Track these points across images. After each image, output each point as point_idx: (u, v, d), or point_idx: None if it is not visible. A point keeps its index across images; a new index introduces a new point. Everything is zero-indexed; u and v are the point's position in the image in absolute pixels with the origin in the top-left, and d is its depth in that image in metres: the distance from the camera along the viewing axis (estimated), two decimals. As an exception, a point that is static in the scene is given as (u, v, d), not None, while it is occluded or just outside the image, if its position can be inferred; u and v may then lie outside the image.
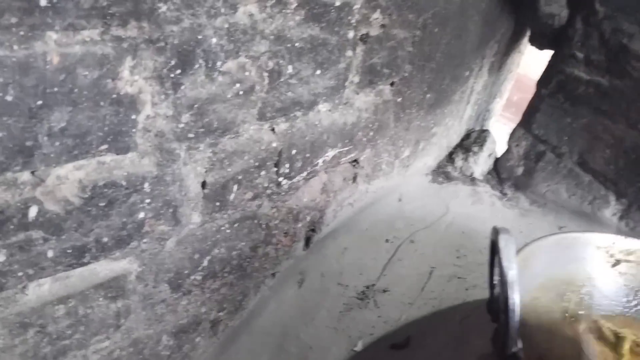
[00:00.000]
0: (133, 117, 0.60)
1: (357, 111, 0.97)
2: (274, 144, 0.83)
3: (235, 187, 0.81)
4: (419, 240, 1.21)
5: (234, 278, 0.93)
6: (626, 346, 0.78)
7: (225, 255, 0.87)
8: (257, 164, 0.82)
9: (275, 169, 0.86)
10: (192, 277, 0.83)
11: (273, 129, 0.82)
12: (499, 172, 1.36)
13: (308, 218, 1.03)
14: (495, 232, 0.66)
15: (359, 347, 1.03)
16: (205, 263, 0.84)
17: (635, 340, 0.82)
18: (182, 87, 0.63)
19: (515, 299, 0.62)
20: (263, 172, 0.84)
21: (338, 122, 0.94)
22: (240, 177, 0.80)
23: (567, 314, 0.86)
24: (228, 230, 0.85)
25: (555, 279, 0.87)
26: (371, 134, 1.04)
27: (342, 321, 1.07)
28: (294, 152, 0.87)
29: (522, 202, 1.31)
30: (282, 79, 0.77)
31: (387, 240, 1.18)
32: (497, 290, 0.70)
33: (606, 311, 0.88)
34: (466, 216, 1.27)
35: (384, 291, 1.11)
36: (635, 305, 0.90)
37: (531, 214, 1.29)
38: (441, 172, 1.35)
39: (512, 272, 0.63)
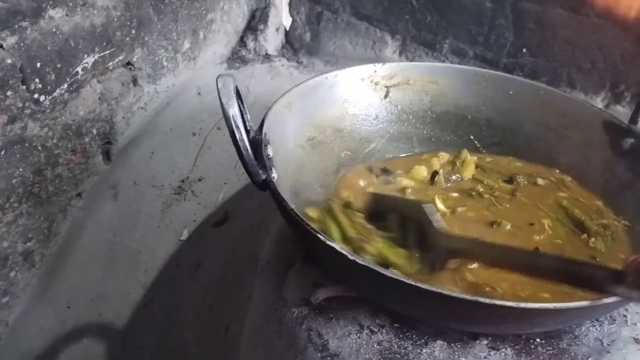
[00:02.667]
0: None
1: (104, 10, 0.96)
2: (8, 60, 0.81)
3: (-21, 113, 0.79)
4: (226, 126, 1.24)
5: (29, 206, 0.92)
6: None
7: (4, 186, 0.86)
8: (-5, 84, 0.80)
9: (24, 87, 0.85)
10: (-28, 215, 0.83)
11: (1, 45, 0.80)
12: (291, 43, 1.41)
13: (95, 131, 1.03)
14: (217, 78, 0.70)
15: (184, 235, 1.08)
16: (-19, 197, 0.83)
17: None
18: None
19: (241, 131, 0.67)
20: (10, 92, 0.82)
21: (83, 26, 0.92)
22: (-20, 102, 0.78)
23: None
24: (-6, 160, 0.84)
25: (328, 117, 0.93)
26: (133, 32, 1.03)
27: (165, 218, 1.11)
28: (38, 65, 0.86)
29: (318, 65, 1.38)
30: (-19, -11, 0.74)
31: (194, 134, 1.21)
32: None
33: (382, 136, 0.97)
34: (267, 92, 1.32)
35: (199, 180, 1.15)
36: (404, 123, 0.99)
37: (327, 73, 1.36)
38: (236, 58, 1.38)
39: (232, 108, 0.68)
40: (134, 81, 1.09)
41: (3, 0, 0.77)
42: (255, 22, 1.39)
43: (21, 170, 0.88)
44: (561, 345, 0.64)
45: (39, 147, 0.91)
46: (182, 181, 1.14)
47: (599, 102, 1.18)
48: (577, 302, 0.56)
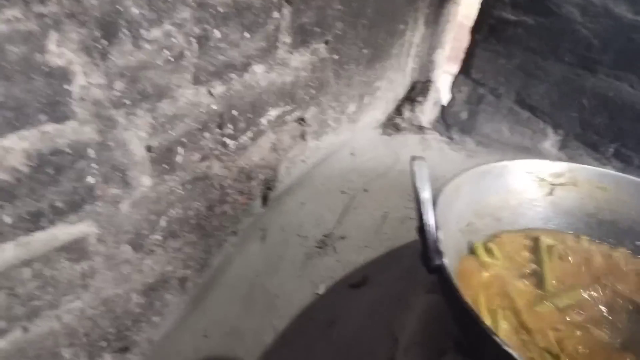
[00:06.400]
0: (66, 87, 0.66)
1: (295, 70, 1.03)
2: (214, 106, 0.89)
3: (181, 150, 0.87)
4: (373, 189, 1.28)
5: (195, 237, 0.99)
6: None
7: (182, 216, 0.94)
8: (199, 126, 0.88)
9: (219, 130, 0.93)
10: (153, 238, 0.90)
11: (210, 92, 0.88)
12: (445, 119, 1.44)
13: (261, 176, 1.10)
14: (411, 160, 0.73)
15: (321, 290, 1.11)
16: (163, 223, 0.90)
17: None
18: (111, 57, 0.69)
19: (430, 216, 0.69)
20: (207, 134, 0.91)
21: (276, 82, 1.00)
22: (184, 140, 0.87)
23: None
24: (181, 192, 0.91)
25: (489, 205, 0.94)
26: (313, 91, 1.10)
27: (305, 269, 1.14)
28: (235, 113, 0.94)
29: (469, 144, 1.39)
30: (211, 44, 0.83)
31: (342, 192, 1.25)
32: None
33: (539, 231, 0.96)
34: (417, 163, 1.35)
35: (342, 238, 1.18)
36: (564, 223, 0.97)
37: (477, 154, 1.36)
38: (390, 124, 1.42)
39: (424, 192, 0.70)
40: (302, 135, 1.15)
41: (223, 54, 0.86)
42: (415, 93, 1.43)
43: (198, 203, 0.96)
44: None
45: (216, 185, 0.98)
46: (326, 236, 1.18)
47: None
48: None
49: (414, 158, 0.73)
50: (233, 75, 0.90)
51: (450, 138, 1.40)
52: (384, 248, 1.16)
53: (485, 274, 0.83)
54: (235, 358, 1.05)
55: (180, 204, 0.92)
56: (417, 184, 0.71)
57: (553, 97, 1.25)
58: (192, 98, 0.85)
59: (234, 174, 1.01)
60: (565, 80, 1.23)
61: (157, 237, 0.91)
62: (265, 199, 1.15)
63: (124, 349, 0.96)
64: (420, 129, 1.42)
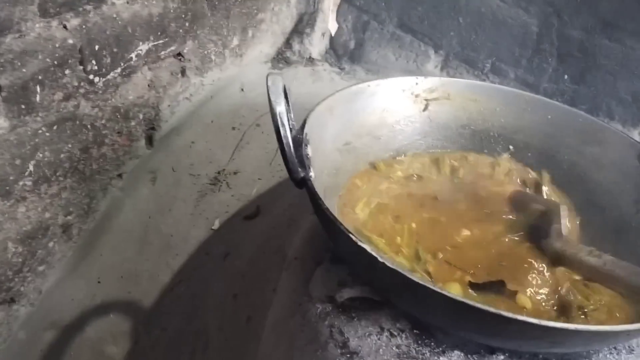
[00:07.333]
0: None
1: (162, 1, 1.00)
2: (70, 41, 0.85)
3: (38, 88, 0.83)
4: (265, 123, 1.28)
5: (73, 182, 0.96)
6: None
7: (52, 159, 0.90)
8: (56, 62, 0.84)
9: (82, 67, 0.89)
10: (21, 183, 0.86)
11: (65, 26, 0.84)
12: (335, 50, 1.44)
13: (141, 116, 1.07)
14: (267, 76, 0.73)
15: (215, 225, 1.11)
16: (30, 168, 0.87)
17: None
18: None
19: (286, 129, 0.70)
20: (68, 71, 0.87)
21: (142, 14, 0.96)
22: (40, 78, 0.82)
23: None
24: (47, 133, 0.88)
25: (366, 124, 0.96)
26: (187, 24, 1.07)
27: (199, 207, 1.14)
28: (97, 47, 0.90)
29: (359, 73, 1.41)
30: (54, -28, 0.78)
31: (233, 128, 1.24)
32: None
33: (416, 147, 0.99)
34: (308, 95, 1.35)
35: (235, 173, 1.18)
36: (440, 137, 1.00)
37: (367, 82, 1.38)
38: (281, 59, 1.41)
39: (279, 106, 0.70)
40: (183, 72, 1.12)
41: (72, -16, 0.82)
42: (303, 25, 1.42)
43: (70, 146, 0.92)
44: (576, 370, 0.65)
45: (88, 126, 0.95)
46: (219, 172, 1.17)
47: (636, 135, 1.18)
48: (597, 326, 0.58)
49: (270, 74, 0.73)
50: (88, 7, 0.86)
51: (341, 68, 1.41)
52: (277, 179, 1.17)
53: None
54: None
55: (48, 146, 0.88)
56: (271, 98, 0.71)
57: (432, 18, 1.27)
58: (43, 32, 0.81)
59: (107, 114, 0.97)
60: (442, 1, 1.25)
61: (27, 182, 0.87)
62: (150, 140, 1.12)
63: (10, 301, 0.93)
64: (311, 60, 1.41)
